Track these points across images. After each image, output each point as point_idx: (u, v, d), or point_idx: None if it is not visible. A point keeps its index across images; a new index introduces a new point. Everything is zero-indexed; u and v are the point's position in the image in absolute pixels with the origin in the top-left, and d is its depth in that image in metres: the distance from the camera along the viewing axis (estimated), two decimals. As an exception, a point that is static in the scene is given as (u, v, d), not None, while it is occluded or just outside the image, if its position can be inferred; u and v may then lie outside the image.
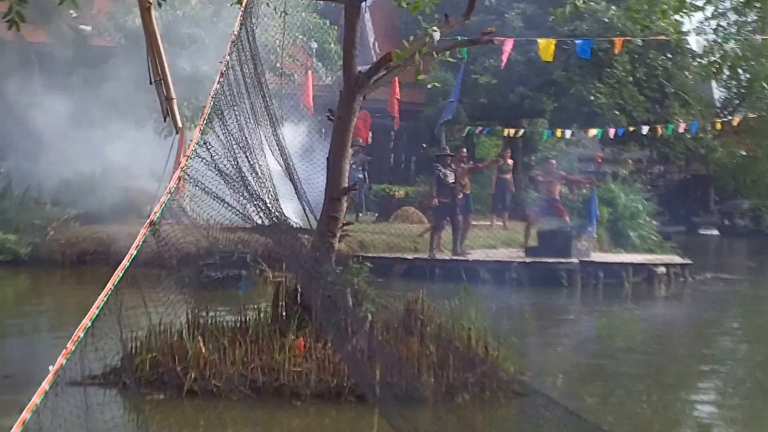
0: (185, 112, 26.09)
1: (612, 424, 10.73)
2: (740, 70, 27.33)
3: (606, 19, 31.24)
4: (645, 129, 30.39)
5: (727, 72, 29.23)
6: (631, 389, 13.65)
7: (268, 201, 11.49)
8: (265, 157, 12.46)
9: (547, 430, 8.11)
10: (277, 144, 13.41)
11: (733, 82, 37.72)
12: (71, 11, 28.39)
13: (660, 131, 30.99)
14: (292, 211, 14.07)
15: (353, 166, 23.76)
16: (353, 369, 11.25)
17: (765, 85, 34.06)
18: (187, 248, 10.48)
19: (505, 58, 23.73)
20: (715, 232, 48.10)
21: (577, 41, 22.26)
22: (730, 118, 35.93)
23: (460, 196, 25.21)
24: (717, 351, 17.11)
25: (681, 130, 31.42)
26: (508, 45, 23.04)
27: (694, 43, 18.81)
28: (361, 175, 28.77)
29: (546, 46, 20.75)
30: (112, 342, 8.88)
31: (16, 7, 9.78)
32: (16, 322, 17.93)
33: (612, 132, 29.84)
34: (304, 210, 14.06)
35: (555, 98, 33.30)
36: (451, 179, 24.82)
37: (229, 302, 15.24)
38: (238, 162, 10.43)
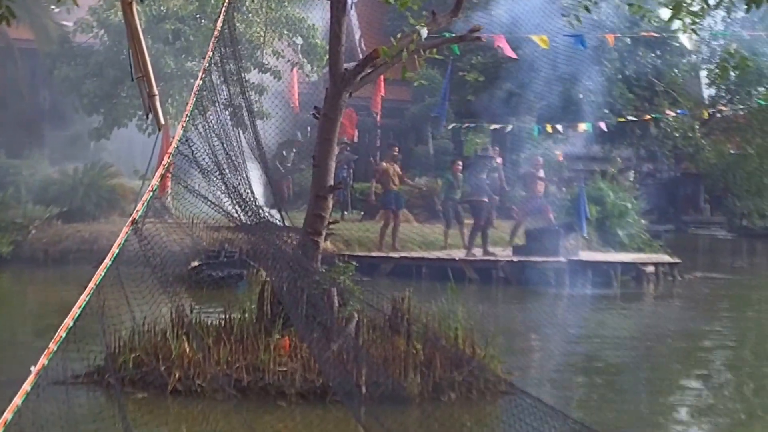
0: (169, 110, 26.00)
1: (599, 423, 10.63)
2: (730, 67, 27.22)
3: (595, 17, 31.18)
4: (633, 119, 30.52)
5: (733, 74, 29.38)
6: (618, 389, 13.61)
7: (249, 199, 11.40)
8: (243, 153, 12.38)
9: (533, 430, 8.01)
10: (255, 140, 13.34)
11: (718, 80, 37.70)
12: (53, 7, 28.23)
13: (648, 119, 31.11)
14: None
15: (337, 164, 23.79)
16: (328, 371, 11.15)
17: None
18: (171, 247, 10.36)
19: (508, 52, 23.72)
20: (718, 232, 47.39)
21: (570, 36, 22.29)
22: (719, 115, 35.97)
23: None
24: (703, 350, 17.11)
25: (670, 115, 31.51)
26: (502, 40, 23.05)
27: (687, 40, 18.85)
28: (345, 174, 28.72)
29: (540, 39, 21.18)
30: (96, 341, 8.79)
31: (5, 1, 9.66)
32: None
33: (603, 125, 29.75)
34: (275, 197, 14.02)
35: (543, 96, 33.24)
36: (488, 180, 25.85)
37: (219, 301, 15.15)
38: (219, 159, 10.33)
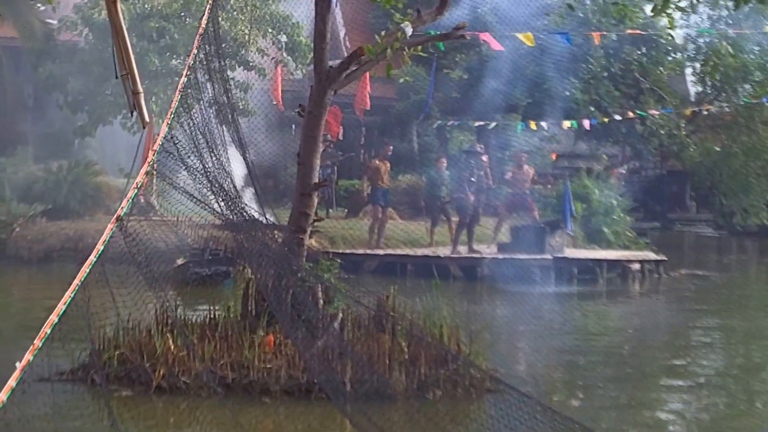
0: (153, 108, 25.95)
1: (585, 419, 10.66)
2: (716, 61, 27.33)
3: (581, 14, 31.21)
4: (618, 117, 30.58)
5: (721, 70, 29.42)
6: (604, 385, 13.63)
7: (234, 197, 11.40)
8: (227, 150, 12.39)
9: (520, 425, 8.03)
10: (238, 137, 13.36)
11: (708, 77, 37.65)
12: (38, 4, 28.15)
13: (632, 116, 31.19)
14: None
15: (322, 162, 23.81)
16: (314, 367, 11.16)
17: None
18: (156, 244, 10.37)
19: (494, 46, 23.77)
20: (704, 229, 47.18)
21: (556, 33, 22.32)
22: (705, 112, 35.93)
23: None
24: (687, 346, 17.16)
25: (655, 114, 31.62)
26: (487, 35, 23.08)
27: (677, 37, 18.95)
28: (329, 171, 28.68)
29: (525, 37, 21.21)
30: (81, 338, 8.78)
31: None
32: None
33: (587, 123, 29.75)
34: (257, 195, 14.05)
35: (528, 93, 33.23)
36: (474, 177, 25.58)
37: (204, 299, 15.13)
38: (204, 156, 10.32)
